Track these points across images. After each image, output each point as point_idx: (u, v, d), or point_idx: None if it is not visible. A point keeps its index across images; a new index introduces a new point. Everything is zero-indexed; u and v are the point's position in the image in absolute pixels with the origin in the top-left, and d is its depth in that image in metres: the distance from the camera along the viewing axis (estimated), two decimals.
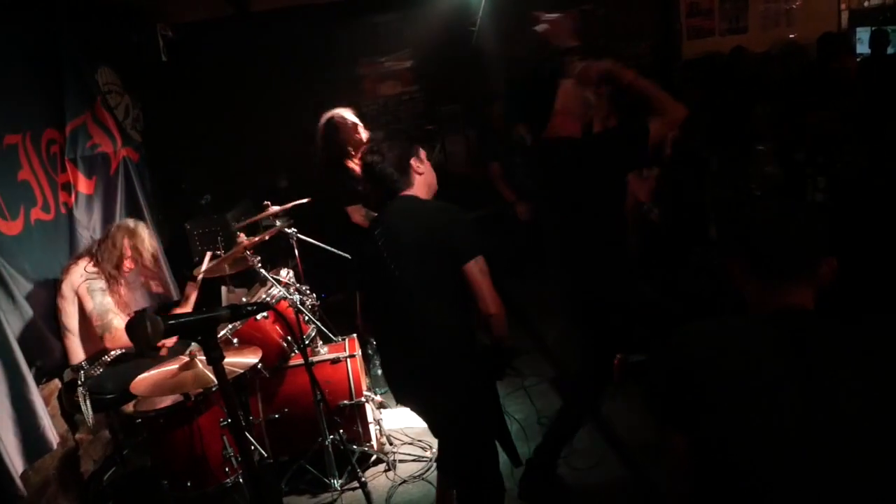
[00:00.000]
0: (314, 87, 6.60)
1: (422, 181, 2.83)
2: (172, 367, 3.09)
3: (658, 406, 1.83)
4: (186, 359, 3.08)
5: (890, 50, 7.07)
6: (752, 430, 1.60)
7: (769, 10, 8.04)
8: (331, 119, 4.47)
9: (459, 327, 2.69)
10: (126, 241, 3.83)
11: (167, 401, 3.41)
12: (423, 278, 2.63)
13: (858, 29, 7.98)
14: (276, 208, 4.24)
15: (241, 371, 3.08)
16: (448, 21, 6.84)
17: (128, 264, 3.84)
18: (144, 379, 3.07)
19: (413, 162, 2.81)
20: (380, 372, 4.81)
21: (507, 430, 2.93)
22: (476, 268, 2.60)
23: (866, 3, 8.20)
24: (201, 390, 3.31)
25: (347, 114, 4.50)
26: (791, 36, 7.94)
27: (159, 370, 3.11)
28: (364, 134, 4.49)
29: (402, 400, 2.97)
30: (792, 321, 1.66)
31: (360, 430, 4.00)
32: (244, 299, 4.13)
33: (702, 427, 1.69)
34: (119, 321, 3.69)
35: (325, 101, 4.68)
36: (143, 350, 3.59)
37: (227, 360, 3.05)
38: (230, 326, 3.67)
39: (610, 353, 3.51)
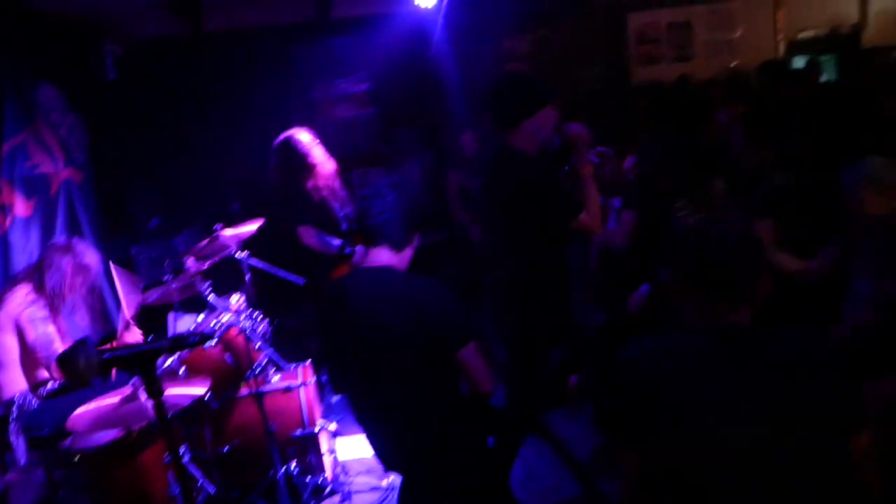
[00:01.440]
0: (268, 108, 6.49)
1: (406, 257, 2.64)
2: (114, 399, 2.93)
3: (606, 426, 1.90)
4: (129, 390, 2.93)
5: (823, 78, 7.39)
6: (697, 447, 1.63)
7: (713, 40, 8.34)
8: (287, 140, 4.40)
9: (447, 414, 2.51)
10: (65, 261, 3.65)
11: (108, 436, 3.23)
12: (407, 366, 2.43)
13: (795, 58, 8.34)
14: (227, 232, 4.11)
15: (189, 402, 2.94)
16: (405, 44, 6.83)
17: (70, 286, 3.66)
18: (84, 413, 2.90)
19: (416, 231, 2.62)
20: (334, 399, 4.70)
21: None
22: (469, 352, 2.43)
23: (801, 35, 8.55)
24: (145, 424, 3.16)
25: (304, 135, 4.43)
26: (733, 64, 8.25)
27: (100, 403, 2.95)
28: (322, 157, 4.43)
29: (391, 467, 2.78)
30: (733, 338, 1.71)
31: (314, 460, 3.86)
32: (192, 327, 3.98)
33: (649, 446, 1.72)
34: None
35: (279, 122, 4.60)
36: (76, 385, 3.41)
37: (173, 390, 2.95)
38: (177, 356, 3.52)
39: (538, 382, 3.44)
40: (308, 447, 3.84)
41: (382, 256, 2.54)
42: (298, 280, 4.29)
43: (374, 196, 2.53)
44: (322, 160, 4.46)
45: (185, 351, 3.53)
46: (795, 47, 8.55)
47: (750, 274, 1.73)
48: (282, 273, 4.38)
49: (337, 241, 4.35)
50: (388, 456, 2.71)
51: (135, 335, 3.76)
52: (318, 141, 4.50)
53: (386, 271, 2.53)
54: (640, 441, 1.75)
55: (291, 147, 4.37)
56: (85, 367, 1.35)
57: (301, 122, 4.65)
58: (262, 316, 4.08)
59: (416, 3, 5.77)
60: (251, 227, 4.08)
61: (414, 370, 2.42)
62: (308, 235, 4.36)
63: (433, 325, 2.36)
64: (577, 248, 4.76)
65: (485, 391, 2.47)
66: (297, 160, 4.37)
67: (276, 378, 3.99)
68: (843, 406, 1.67)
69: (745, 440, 1.61)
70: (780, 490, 1.60)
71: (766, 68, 6.99)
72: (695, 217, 3.49)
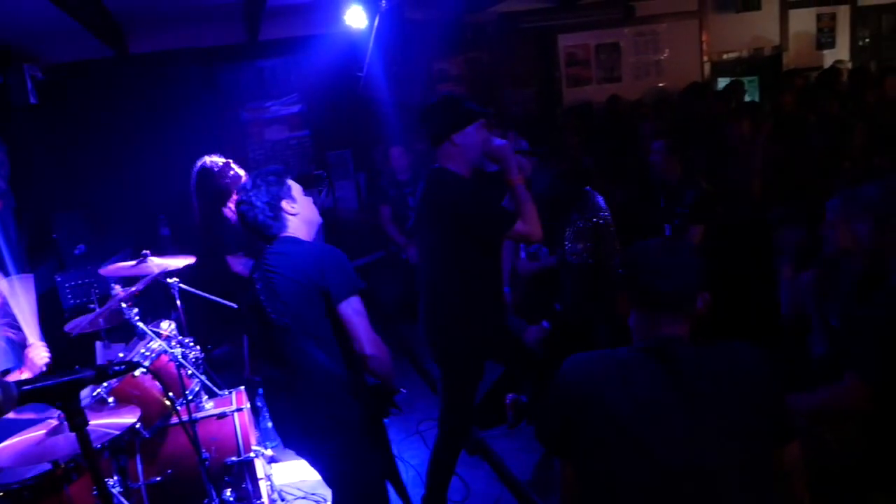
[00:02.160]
0: (196, 131, 6.42)
1: (298, 221, 2.75)
2: (39, 432, 2.85)
3: (546, 438, 1.96)
4: (55, 422, 2.85)
5: (746, 98, 7.73)
6: (628, 457, 1.70)
7: (640, 62, 8.66)
8: (201, 167, 4.37)
9: (339, 369, 2.64)
10: None
11: (33, 470, 3.12)
12: (299, 321, 2.58)
13: (719, 79, 8.72)
14: (156, 260, 4.04)
15: (118, 433, 2.88)
16: (336, 66, 6.85)
17: None
18: (6, 447, 2.81)
19: (285, 204, 2.71)
20: (270, 425, 4.64)
21: (397, 474, 2.88)
22: (350, 308, 2.54)
23: (724, 56, 8.91)
24: (72, 457, 3.07)
25: (217, 159, 4.39)
26: (660, 85, 8.53)
27: (23, 436, 2.86)
28: (238, 180, 4.35)
29: (289, 444, 2.87)
30: (670, 351, 1.77)
31: (251, 487, 3.80)
32: (121, 355, 3.89)
33: (586, 456, 1.79)
34: None
35: (208, 145, 4.56)
36: None
37: (101, 421, 2.89)
38: (105, 385, 3.43)
39: (470, 398, 3.48)
40: (244, 474, 3.77)
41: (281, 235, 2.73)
42: (231, 305, 4.24)
43: (241, 202, 2.71)
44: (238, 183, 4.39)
45: (114, 380, 3.45)
46: (719, 69, 8.91)
47: (690, 292, 1.82)
48: (213, 298, 4.33)
49: None
50: (284, 432, 2.84)
51: (38, 354, 3.58)
52: (234, 163, 4.46)
53: (287, 241, 2.70)
54: (574, 452, 1.81)
55: (205, 173, 4.34)
56: (3, 402, 1.32)
57: (231, 145, 4.64)
58: (193, 342, 4.01)
59: (347, 24, 5.79)
60: (182, 261, 4.03)
61: (310, 318, 2.57)
62: (236, 264, 4.31)
63: (320, 277, 2.53)
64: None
65: (363, 352, 2.54)
66: (213, 186, 4.33)
67: (209, 405, 3.92)
68: (773, 418, 1.74)
69: (674, 450, 1.67)
70: (707, 500, 1.67)
71: (689, 89, 7.31)
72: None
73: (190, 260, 4.13)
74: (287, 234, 2.72)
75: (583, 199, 4.13)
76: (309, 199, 2.83)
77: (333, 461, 2.74)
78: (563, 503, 1.93)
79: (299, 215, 2.75)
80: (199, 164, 4.37)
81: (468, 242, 3.18)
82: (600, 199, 4.17)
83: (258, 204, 2.68)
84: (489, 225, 3.18)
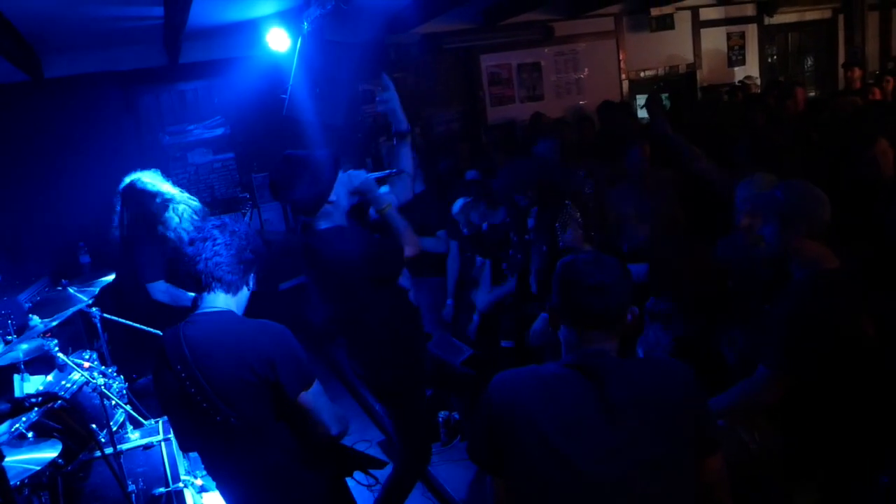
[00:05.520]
0: (117, 156, 6.28)
1: (244, 298, 2.48)
2: None
3: (477, 456, 1.95)
4: None
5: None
6: (557, 473, 1.73)
7: (561, 81, 8.90)
8: (131, 185, 4.13)
9: (295, 453, 2.42)
10: None
11: None
12: (244, 419, 2.29)
13: (637, 96, 9.00)
14: (76, 288, 3.95)
15: (38, 468, 2.81)
16: (259, 88, 6.82)
17: None
18: None
19: (253, 274, 2.45)
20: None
21: None
22: (309, 397, 2.29)
23: (642, 74, 9.26)
24: None
25: (151, 176, 4.18)
26: (581, 102, 8.81)
27: None
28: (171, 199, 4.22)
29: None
30: (596, 367, 1.80)
31: None
32: (40, 387, 3.77)
33: (515, 473, 1.81)
34: None
35: (128, 169, 4.41)
36: None
37: (21, 456, 2.81)
38: (23, 419, 3.33)
39: (421, 419, 3.48)
40: None
41: (217, 301, 2.38)
42: (155, 332, 4.14)
43: (203, 240, 2.34)
44: (173, 204, 4.22)
45: (34, 415, 3.35)
46: (637, 86, 9.24)
47: (620, 309, 1.84)
48: (137, 326, 4.23)
49: (191, 296, 4.22)
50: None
51: None
52: (169, 182, 4.29)
53: (223, 316, 2.35)
54: (504, 469, 1.84)
55: (136, 192, 4.11)
56: None
57: (153, 169, 4.50)
58: (117, 371, 3.93)
59: (269, 47, 5.78)
60: (101, 283, 3.94)
61: (253, 415, 2.29)
62: (158, 291, 4.09)
63: (271, 370, 2.24)
64: (432, 283, 4.91)
65: (329, 435, 2.35)
66: (144, 206, 4.10)
67: (134, 435, 3.86)
68: (696, 430, 1.78)
69: (598, 464, 1.71)
70: None
71: (604, 107, 7.56)
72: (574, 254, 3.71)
73: (109, 278, 4.02)
74: (219, 306, 2.38)
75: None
76: None
77: None
78: None
79: (250, 292, 2.51)
80: (128, 180, 4.13)
81: (362, 285, 3.12)
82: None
83: (235, 253, 2.35)
84: (377, 267, 3.11)
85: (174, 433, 2.56)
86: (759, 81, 9.58)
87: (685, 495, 1.77)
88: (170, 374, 2.30)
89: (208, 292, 2.38)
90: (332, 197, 3.03)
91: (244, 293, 2.45)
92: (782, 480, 2.68)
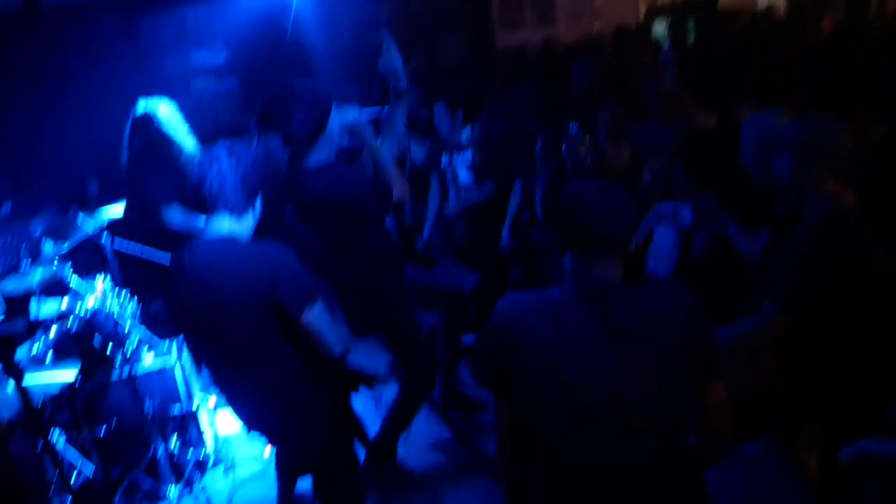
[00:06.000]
0: (119, 85, 6.23)
1: (250, 222, 2.51)
2: None
3: (481, 375, 1.97)
4: None
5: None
6: (559, 394, 1.76)
7: (575, 4, 8.57)
8: (142, 111, 4.16)
9: (298, 373, 2.51)
10: None
11: None
12: (248, 338, 2.38)
13: (655, 22, 8.68)
14: (86, 214, 4.00)
15: (59, 387, 2.92)
16: (263, 12, 6.71)
17: None
18: None
19: (259, 197, 2.49)
20: None
21: (365, 437, 2.94)
22: (311, 317, 2.36)
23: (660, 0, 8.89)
24: (14, 413, 3.10)
25: (161, 105, 4.21)
26: (596, 27, 8.50)
27: None
28: (183, 128, 4.27)
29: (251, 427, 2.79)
30: (602, 293, 1.81)
31: (195, 435, 3.89)
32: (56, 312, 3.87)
33: (518, 393, 1.84)
34: None
35: (132, 98, 4.41)
36: None
37: (42, 375, 2.92)
38: (41, 341, 3.44)
39: (411, 351, 3.49)
40: (188, 423, 3.86)
41: (223, 225, 2.43)
42: (164, 259, 4.21)
43: (209, 162, 2.40)
44: (184, 131, 4.27)
45: (52, 337, 3.46)
46: (654, 12, 8.83)
47: (625, 235, 1.85)
48: (147, 252, 4.30)
49: (201, 221, 4.27)
50: (248, 421, 2.75)
51: None
52: (177, 111, 4.30)
53: (225, 241, 2.42)
54: (508, 390, 1.87)
55: (149, 119, 4.13)
56: None
57: (156, 95, 4.48)
58: (130, 295, 4.02)
59: None
60: (112, 212, 3.98)
61: (256, 337, 2.38)
62: (170, 216, 4.17)
63: (273, 291, 2.30)
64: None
65: (333, 356, 2.44)
66: (156, 133, 4.14)
67: (149, 357, 3.96)
68: (700, 355, 1.79)
69: (602, 388, 1.72)
70: (630, 436, 1.73)
71: (619, 34, 7.30)
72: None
73: (119, 207, 4.07)
74: (230, 227, 2.44)
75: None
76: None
77: (304, 454, 2.73)
78: (499, 439, 2.00)
79: (257, 216, 2.55)
80: (138, 107, 4.14)
81: (356, 223, 3.16)
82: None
83: (241, 176, 2.41)
84: (366, 207, 3.14)
85: (188, 349, 2.65)
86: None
87: (685, 421, 1.81)
88: (177, 297, 2.38)
89: (214, 215, 2.43)
90: (325, 136, 3.02)
91: (250, 219, 2.49)
92: (785, 415, 2.69)
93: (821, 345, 2.49)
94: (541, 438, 1.83)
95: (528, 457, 1.90)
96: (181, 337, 4.08)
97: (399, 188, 3.20)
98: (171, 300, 2.50)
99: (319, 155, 3.06)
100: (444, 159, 4.96)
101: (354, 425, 2.95)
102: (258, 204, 2.50)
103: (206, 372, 4.32)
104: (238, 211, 2.43)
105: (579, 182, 1.95)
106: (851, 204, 2.44)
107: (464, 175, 4.92)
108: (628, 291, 1.82)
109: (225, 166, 2.38)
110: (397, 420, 3.60)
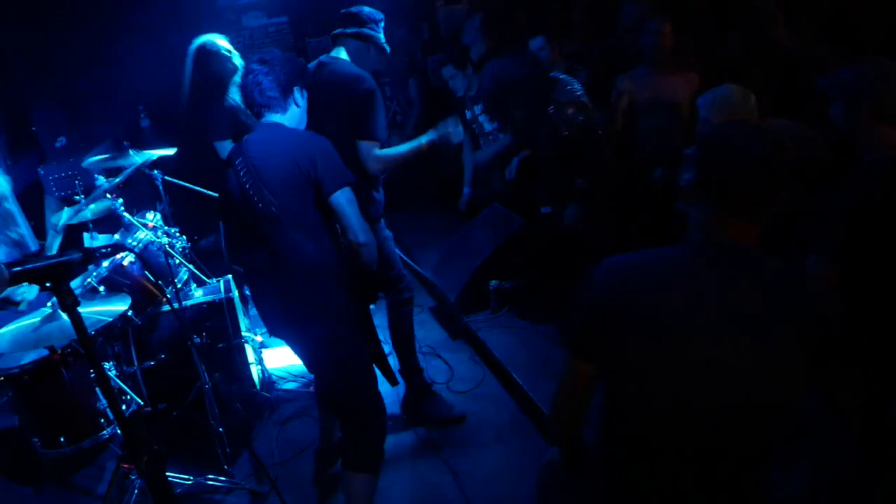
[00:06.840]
0: (172, 20, 6.21)
1: (296, 114, 2.74)
2: (34, 319, 2.94)
3: (576, 338, 1.83)
4: (49, 310, 2.94)
5: None
6: (670, 359, 1.65)
7: None
8: (202, 46, 4.13)
9: (326, 258, 2.64)
10: None
11: (31, 355, 3.23)
12: (287, 211, 2.56)
13: None
14: (138, 151, 4.02)
15: (110, 319, 2.97)
16: None
17: None
18: (2, 333, 2.91)
19: (297, 90, 2.71)
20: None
21: (382, 353, 2.96)
22: (343, 199, 2.57)
23: None
24: (68, 342, 3.19)
25: (221, 40, 4.17)
26: None
27: (19, 324, 2.95)
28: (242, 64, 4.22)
29: (274, 331, 2.93)
30: (723, 254, 1.67)
31: (241, 370, 3.96)
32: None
33: (620, 358, 1.71)
34: None
35: (185, 32, 4.37)
36: None
37: (94, 308, 2.98)
38: (95, 274, 3.50)
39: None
40: (234, 358, 3.92)
41: (272, 119, 2.70)
42: (215, 195, 4.23)
43: (245, 75, 2.67)
44: (241, 64, 4.18)
45: (104, 270, 3.53)
46: None
47: (774, 192, 1.64)
48: (198, 189, 4.33)
49: None
50: (272, 322, 2.87)
51: None
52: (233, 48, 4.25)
53: (274, 126, 2.68)
54: (605, 353, 1.75)
55: (207, 53, 4.11)
56: None
57: (208, 31, 4.45)
58: (180, 232, 4.06)
59: None
60: (163, 152, 4.00)
61: (291, 208, 2.56)
62: (225, 151, 4.05)
63: (310, 169, 2.53)
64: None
65: (357, 241, 2.58)
66: (214, 68, 4.11)
67: (198, 292, 4.02)
68: (820, 342, 1.65)
69: (716, 354, 1.62)
70: (738, 413, 1.64)
71: None
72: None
73: (170, 151, 4.09)
74: (277, 120, 2.69)
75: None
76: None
77: (320, 348, 2.77)
78: (563, 400, 1.90)
79: (301, 109, 2.76)
80: (199, 42, 4.13)
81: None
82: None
83: (277, 71, 2.64)
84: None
85: (225, 244, 3.01)
86: None
87: (797, 397, 1.70)
88: (232, 172, 2.65)
89: (261, 118, 2.71)
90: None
91: (294, 110, 2.73)
92: (830, 370, 2.64)
93: (867, 296, 2.41)
94: (640, 406, 1.72)
95: (616, 422, 1.81)
96: (229, 275, 4.14)
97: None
98: (226, 180, 2.69)
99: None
100: (468, 114, 5.03)
101: (378, 347, 2.97)
102: (299, 97, 2.73)
103: (252, 312, 4.42)
104: (280, 107, 2.68)
105: (729, 124, 1.77)
106: None
107: (488, 126, 5.00)
108: (761, 262, 1.66)
109: (257, 71, 2.64)
110: (403, 332, 3.73)
